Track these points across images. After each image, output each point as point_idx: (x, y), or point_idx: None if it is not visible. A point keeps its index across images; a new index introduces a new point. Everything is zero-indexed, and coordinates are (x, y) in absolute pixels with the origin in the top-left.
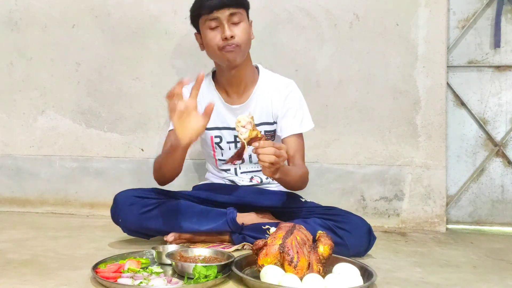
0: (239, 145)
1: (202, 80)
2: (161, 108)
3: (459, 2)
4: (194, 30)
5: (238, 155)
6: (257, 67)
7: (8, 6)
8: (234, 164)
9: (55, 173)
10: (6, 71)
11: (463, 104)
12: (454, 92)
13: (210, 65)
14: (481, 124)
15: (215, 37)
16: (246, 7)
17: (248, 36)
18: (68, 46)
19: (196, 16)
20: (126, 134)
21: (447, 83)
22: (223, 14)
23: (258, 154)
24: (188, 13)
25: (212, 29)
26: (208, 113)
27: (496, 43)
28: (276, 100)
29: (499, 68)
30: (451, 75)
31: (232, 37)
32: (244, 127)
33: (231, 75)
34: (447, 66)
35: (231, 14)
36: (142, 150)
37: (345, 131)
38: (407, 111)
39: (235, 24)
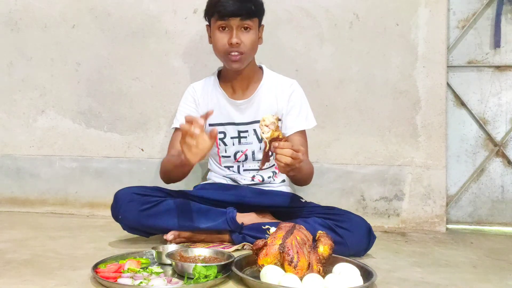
0: (242, 140)
1: (211, 114)
2: (161, 108)
3: (459, 2)
4: (194, 29)
5: (265, 156)
6: (261, 67)
7: (8, 6)
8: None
9: (55, 173)
10: (6, 71)
11: (463, 104)
12: (454, 92)
13: (210, 65)
14: (481, 124)
15: (222, 39)
16: (259, 16)
17: (253, 45)
18: (68, 46)
19: (209, 14)
20: (126, 134)
21: (447, 83)
22: (234, 21)
23: (276, 154)
24: (188, 13)
25: (221, 31)
26: (214, 136)
27: (496, 43)
28: (281, 98)
29: (499, 68)
30: (451, 75)
31: (237, 43)
32: (267, 126)
33: (236, 72)
34: (447, 66)
35: (242, 22)
36: (142, 150)
37: (345, 131)
38: (407, 111)
39: (245, 29)
